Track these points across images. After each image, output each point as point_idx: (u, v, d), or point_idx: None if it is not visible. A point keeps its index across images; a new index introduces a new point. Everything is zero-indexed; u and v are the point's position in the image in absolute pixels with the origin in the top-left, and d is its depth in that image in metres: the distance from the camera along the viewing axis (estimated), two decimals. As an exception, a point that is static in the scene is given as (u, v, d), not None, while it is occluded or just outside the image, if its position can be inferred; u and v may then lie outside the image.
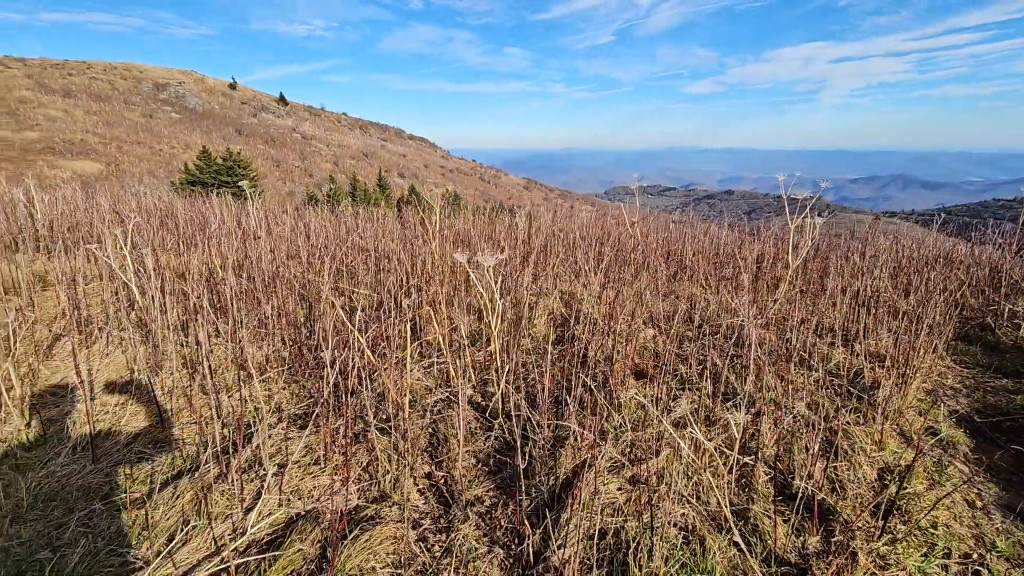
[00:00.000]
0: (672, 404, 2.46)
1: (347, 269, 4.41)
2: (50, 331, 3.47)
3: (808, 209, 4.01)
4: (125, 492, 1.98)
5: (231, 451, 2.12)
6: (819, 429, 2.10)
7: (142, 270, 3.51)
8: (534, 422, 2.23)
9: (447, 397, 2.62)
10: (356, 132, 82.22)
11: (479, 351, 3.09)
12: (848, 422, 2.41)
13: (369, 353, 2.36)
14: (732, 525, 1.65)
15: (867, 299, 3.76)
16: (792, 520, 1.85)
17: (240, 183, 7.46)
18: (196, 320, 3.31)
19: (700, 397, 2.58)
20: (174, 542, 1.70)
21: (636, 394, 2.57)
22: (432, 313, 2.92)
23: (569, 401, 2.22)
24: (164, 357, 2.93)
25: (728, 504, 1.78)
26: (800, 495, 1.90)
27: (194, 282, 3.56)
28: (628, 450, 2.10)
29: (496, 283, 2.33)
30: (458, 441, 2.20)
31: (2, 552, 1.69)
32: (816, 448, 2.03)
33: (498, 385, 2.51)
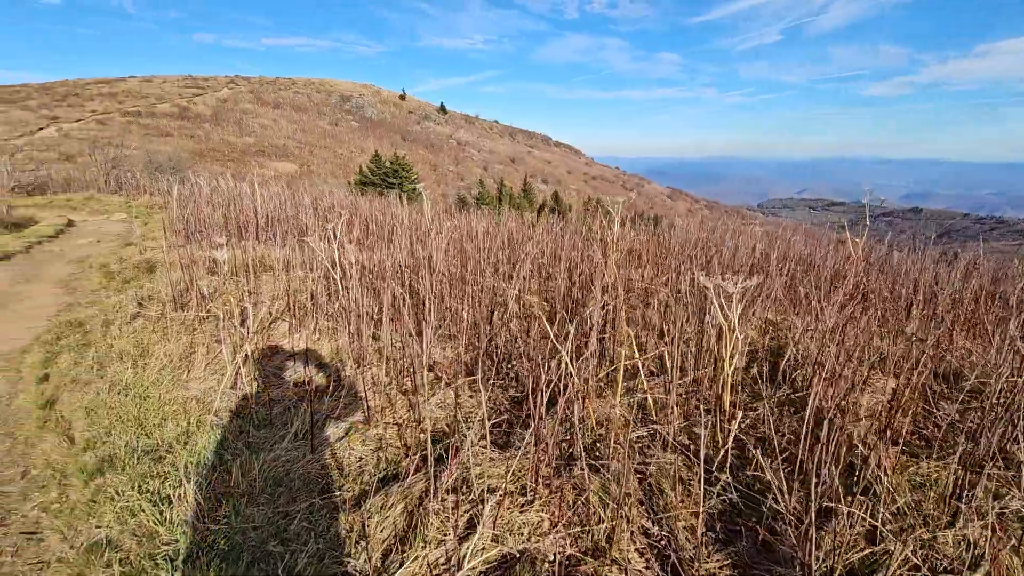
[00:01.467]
0: (967, 493, 1.86)
1: (514, 275, 4.32)
2: (269, 313, 3.86)
3: None
4: (339, 490, 1.99)
5: (430, 460, 2.05)
6: None
7: (346, 264, 3.75)
8: (776, 488, 1.81)
9: (650, 435, 2.31)
10: (505, 139, 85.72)
11: (666, 382, 2.72)
12: None
13: (575, 375, 2.14)
14: None
15: None
16: None
17: (416, 186, 7.92)
18: (387, 317, 3.43)
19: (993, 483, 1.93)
20: (389, 559, 1.63)
21: (905, 470, 2.00)
22: (629, 336, 2.62)
23: (824, 475, 1.76)
24: (363, 351, 3.03)
25: None
26: None
27: (389, 278, 3.71)
28: (927, 554, 1.59)
29: (735, 311, 1.96)
30: (678, 494, 1.87)
31: (241, 534, 1.76)
32: None
33: (721, 429, 2.12)
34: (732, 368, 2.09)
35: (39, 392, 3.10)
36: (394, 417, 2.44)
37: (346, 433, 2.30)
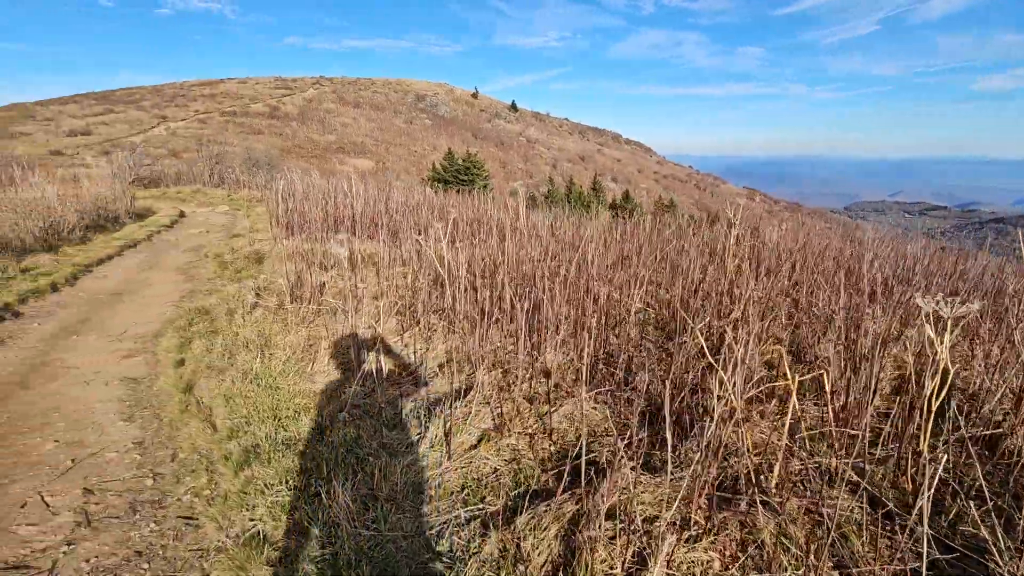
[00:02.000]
0: None
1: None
2: (377, 309, 3.90)
3: None
4: (482, 502, 1.91)
5: (582, 480, 1.92)
6: None
7: (456, 264, 3.71)
8: (995, 548, 1.53)
9: (814, 469, 2.06)
10: (575, 136, 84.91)
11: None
12: None
13: (733, 395, 1.94)
14: None
15: None
16: None
17: (487, 183, 7.86)
18: (497, 319, 3.34)
19: None
20: (552, 589, 1.51)
21: None
22: (780, 354, 2.37)
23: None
24: (482, 353, 2.96)
25: None
26: None
27: (503, 279, 3.64)
28: None
29: (946, 341, 1.67)
30: (865, 544, 1.63)
31: (393, 543, 1.71)
32: None
33: (910, 480, 1.85)
34: (936, 402, 1.80)
35: (177, 376, 3.28)
36: (524, 426, 2.34)
37: (479, 442, 2.23)
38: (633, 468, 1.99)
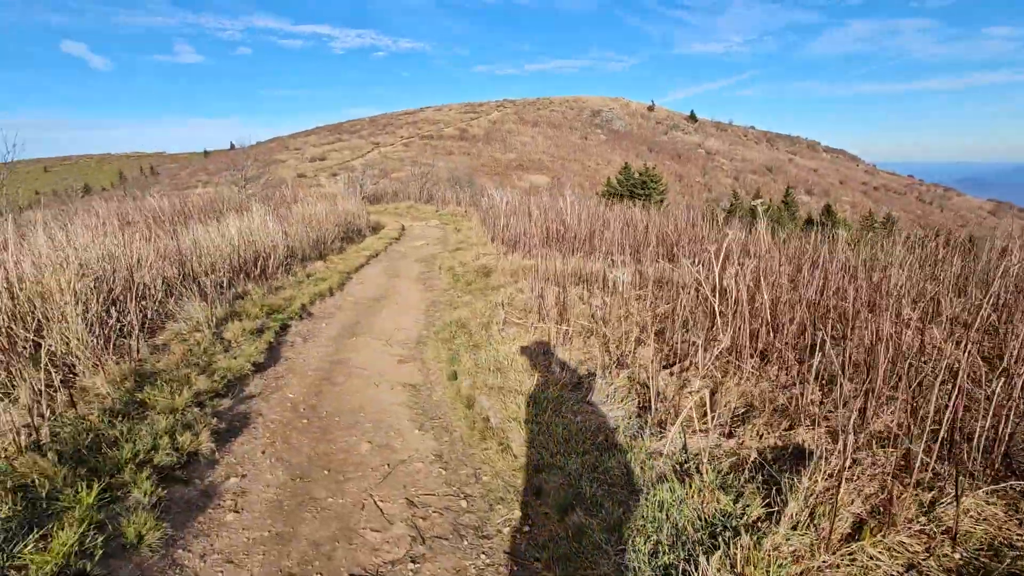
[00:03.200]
0: None
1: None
2: (624, 332, 3.64)
3: None
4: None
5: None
6: None
7: (733, 290, 3.27)
8: None
9: None
10: (762, 145, 77.41)
11: None
12: None
13: None
14: None
15: None
16: None
17: (663, 197, 7.14)
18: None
19: None
20: None
21: None
22: None
23: None
24: (802, 404, 2.47)
25: None
26: None
27: (796, 313, 3.10)
28: None
29: None
30: None
31: None
32: None
33: None
34: None
35: (455, 390, 3.41)
36: (907, 516, 1.81)
37: (855, 531, 1.76)
38: None
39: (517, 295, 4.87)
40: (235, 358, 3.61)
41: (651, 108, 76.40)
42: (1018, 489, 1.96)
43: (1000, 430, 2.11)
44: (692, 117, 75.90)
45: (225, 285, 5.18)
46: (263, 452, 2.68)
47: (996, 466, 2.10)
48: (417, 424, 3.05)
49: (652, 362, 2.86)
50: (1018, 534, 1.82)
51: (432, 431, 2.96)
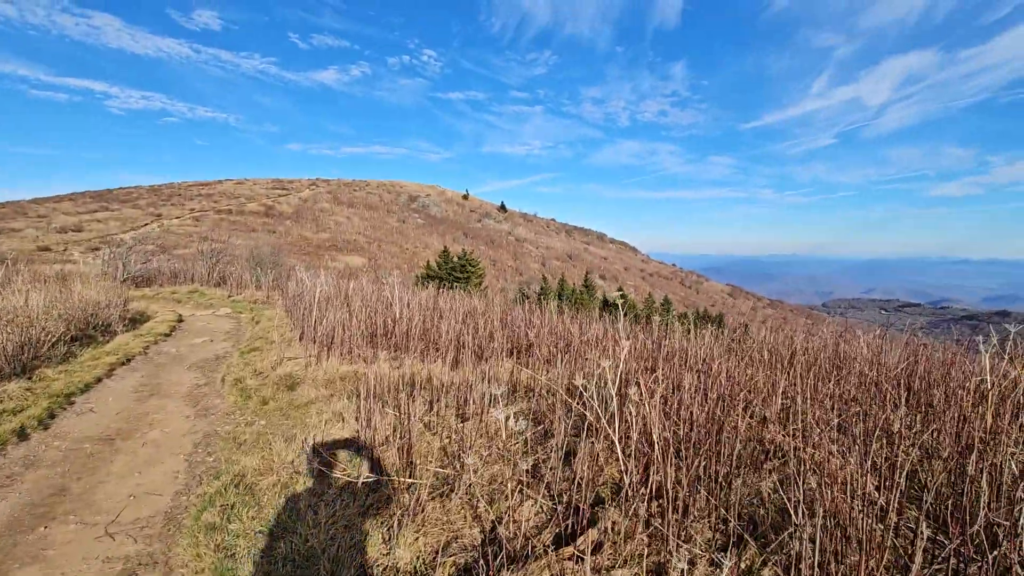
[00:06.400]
0: None
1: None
2: (495, 478, 2.66)
3: None
4: None
5: None
6: None
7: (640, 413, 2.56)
8: None
9: None
10: (562, 236, 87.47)
11: None
12: None
13: None
14: None
15: None
16: None
17: (481, 281, 6.92)
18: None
19: None
20: None
21: None
22: None
23: None
24: None
25: None
26: None
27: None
28: None
29: None
30: None
31: None
32: None
33: None
34: None
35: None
36: None
37: None
38: None
39: (334, 424, 3.53)
40: None
41: (466, 196, 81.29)
42: None
43: None
44: (503, 207, 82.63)
45: None
46: None
47: None
48: None
49: (539, 537, 1.89)
50: None
51: None
